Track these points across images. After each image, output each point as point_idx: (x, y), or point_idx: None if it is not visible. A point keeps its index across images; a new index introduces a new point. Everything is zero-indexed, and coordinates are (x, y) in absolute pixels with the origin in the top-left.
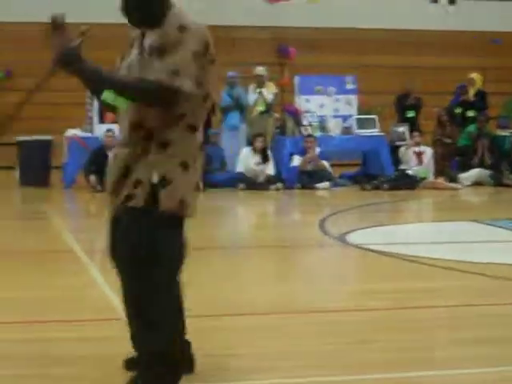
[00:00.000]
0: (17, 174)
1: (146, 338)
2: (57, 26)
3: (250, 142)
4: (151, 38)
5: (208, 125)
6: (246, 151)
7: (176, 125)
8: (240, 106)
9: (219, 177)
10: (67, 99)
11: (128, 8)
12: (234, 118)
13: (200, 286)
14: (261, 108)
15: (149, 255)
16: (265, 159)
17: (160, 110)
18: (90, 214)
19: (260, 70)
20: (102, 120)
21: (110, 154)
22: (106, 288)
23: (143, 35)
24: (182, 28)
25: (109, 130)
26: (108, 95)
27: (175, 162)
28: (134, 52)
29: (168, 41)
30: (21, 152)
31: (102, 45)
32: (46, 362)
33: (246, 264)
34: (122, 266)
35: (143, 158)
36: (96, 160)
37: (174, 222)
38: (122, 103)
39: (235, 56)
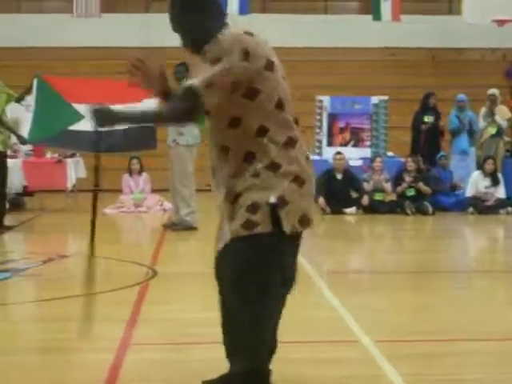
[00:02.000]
0: None
1: None
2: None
3: (480, 165)
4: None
5: (437, 148)
6: (475, 175)
7: (273, 143)
8: (470, 131)
9: (449, 200)
10: None
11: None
12: (464, 141)
13: (428, 310)
14: (492, 131)
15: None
16: (495, 182)
17: (243, 133)
18: (318, 235)
19: (492, 91)
20: (330, 143)
21: (339, 176)
22: (339, 309)
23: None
24: (219, 41)
25: (338, 153)
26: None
27: (288, 180)
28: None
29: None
30: None
31: None
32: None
33: (475, 288)
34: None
35: (255, 182)
36: (325, 182)
37: (295, 238)
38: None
39: (464, 79)
